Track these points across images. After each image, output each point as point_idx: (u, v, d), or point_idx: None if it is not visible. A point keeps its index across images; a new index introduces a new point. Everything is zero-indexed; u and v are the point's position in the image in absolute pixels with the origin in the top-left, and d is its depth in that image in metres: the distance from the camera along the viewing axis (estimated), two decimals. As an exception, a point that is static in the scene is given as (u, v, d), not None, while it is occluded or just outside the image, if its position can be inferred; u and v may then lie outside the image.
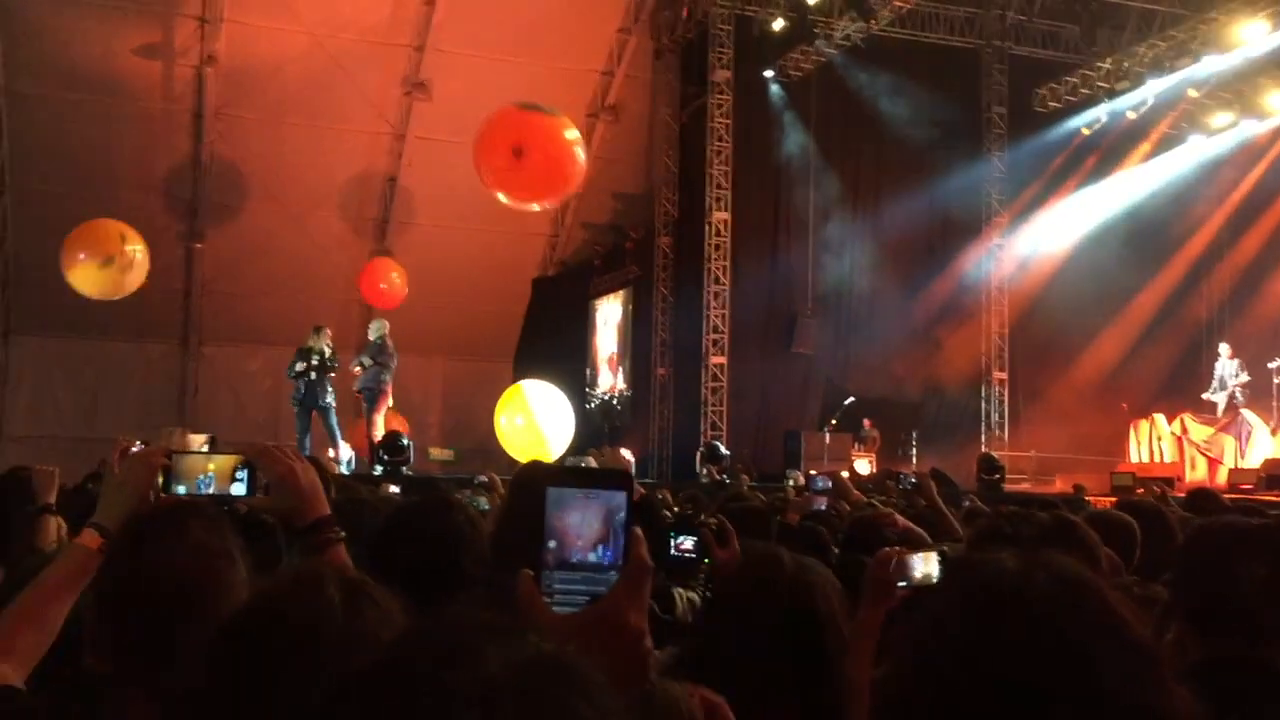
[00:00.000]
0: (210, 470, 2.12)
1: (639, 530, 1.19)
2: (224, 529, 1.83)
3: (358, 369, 13.90)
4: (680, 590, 3.54)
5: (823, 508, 6.08)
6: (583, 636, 1.12)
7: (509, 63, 17.05)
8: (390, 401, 13.88)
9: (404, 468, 11.91)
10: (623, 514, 1.19)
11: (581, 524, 1.18)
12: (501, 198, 12.08)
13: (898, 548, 2.25)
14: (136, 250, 14.23)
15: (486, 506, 5.48)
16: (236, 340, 18.72)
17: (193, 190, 17.88)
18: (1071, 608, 1.04)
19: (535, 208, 13.58)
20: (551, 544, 1.18)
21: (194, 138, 17.44)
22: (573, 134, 11.90)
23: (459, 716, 0.73)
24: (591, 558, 1.18)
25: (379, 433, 13.30)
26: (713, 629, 1.88)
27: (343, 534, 1.92)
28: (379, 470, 11.95)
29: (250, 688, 1.32)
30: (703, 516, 3.76)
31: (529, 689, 0.75)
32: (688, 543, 3.42)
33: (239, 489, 2.01)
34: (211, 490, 2.09)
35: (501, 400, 14.77)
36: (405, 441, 12.25)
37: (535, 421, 13.91)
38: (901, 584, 2.18)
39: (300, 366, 13.45)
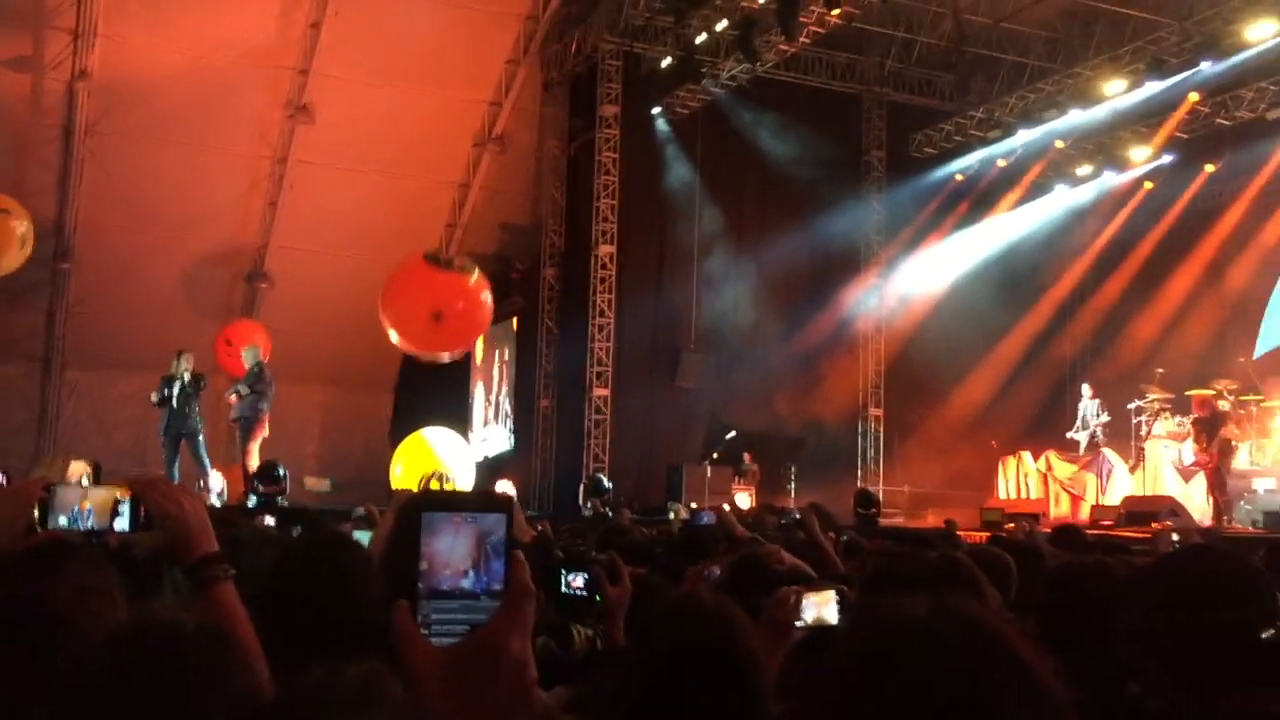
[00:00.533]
0: (89, 505, 2.03)
1: (520, 554, 1.15)
2: (103, 567, 1.76)
3: (233, 397, 13.52)
4: (579, 626, 3.51)
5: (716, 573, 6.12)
6: (462, 668, 1.09)
7: (396, 89, 16.90)
8: (266, 431, 13.51)
9: (279, 499, 11.59)
10: (498, 538, 1.15)
11: (453, 549, 1.14)
12: (414, 351, 12.15)
13: (796, 587, 2.26)
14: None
15: (368, 541, 5.36)
16: (103, 365, 18.02)
17: (60, 208, 17.22)
18: (980, 653, 1.05)
19: (445, 358, 13.56)
20: (428, 575, 1.13)
21: (63, 154, 16.83)
22: (483, 286, 11.99)
23: None
24: (465, 584, 1.13)
25: (254, 462, 12.93)
26: (634, 672, 1.86)
27: (232, 571, 1.83)
28: (253, 501, 11.61)
29: None
30: (594, 553, 3.74)
31: None
32: (579, 580, 3.40)
33: (121, 524, 1.92)
34: (92, 524, 2.00)
35: (403, 448, 14.46)
36: (281, 471, 11.93)
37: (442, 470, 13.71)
38: (799, 624, 2.19)
39: (164, 394, 13.04)
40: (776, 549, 4.19)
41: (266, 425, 13.46)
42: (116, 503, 1.88)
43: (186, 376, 13.13)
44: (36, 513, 1.93)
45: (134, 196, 16.98)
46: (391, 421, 20.47)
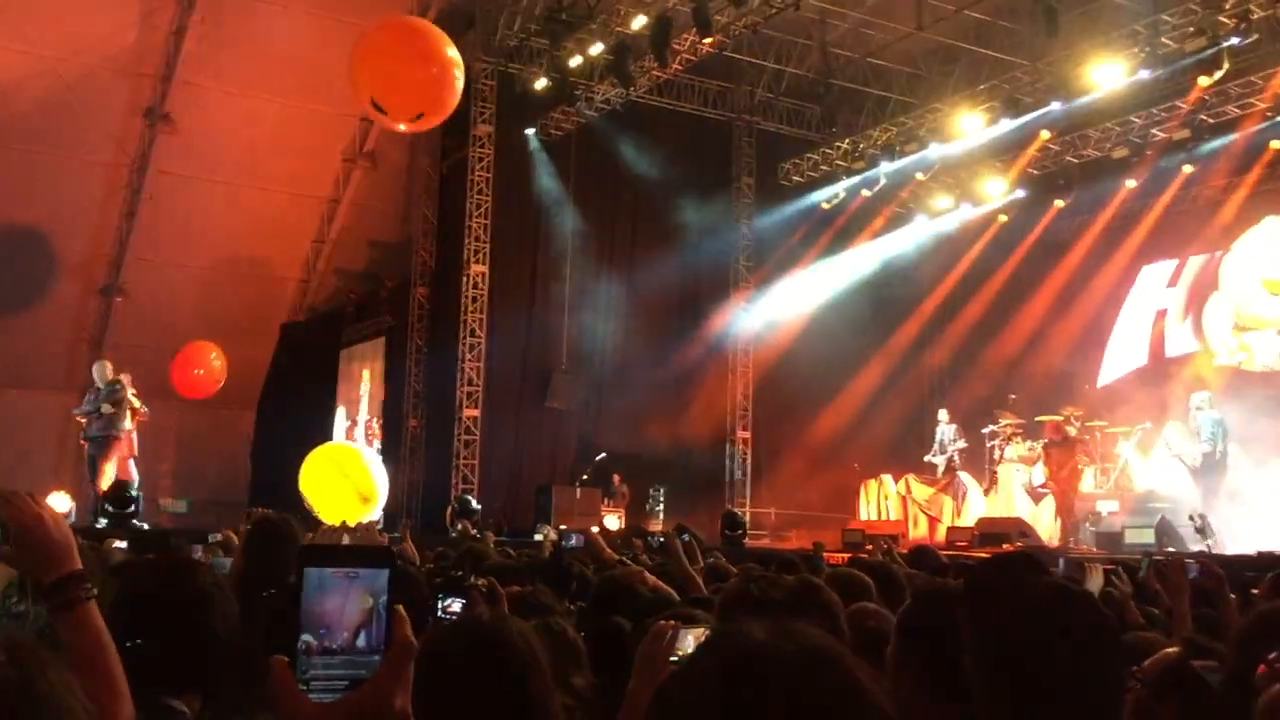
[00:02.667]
0: None
1: (402, 610, 1.15)
2: None
3: (83, 418, 12.98)
4: None
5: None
6: None
7: (264, 100, 16.56)
8: (133, 450, 13.00)
9: (133, 520, 11.17)
10: (384, 595, 1.14)
11: (344, 608, 1.13)
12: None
13: (674, 622, 2.28)
14: None
15: (227, 567, 5.22)
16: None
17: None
18: (815, 677, 1.10)
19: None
20: (310, 633, 1.12)
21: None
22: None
23: None
24: (354, 642, 1.12)
25: (105, 482, 12.44)
26: (421, 696, 1.87)
27: (94, 591, 1.75)
28: (104, 523, 11.16)
29: None
30: (473, 578, 3.72)
31: None
32: (455, 605, 3.38)
33: None
34: None
35: (325, 455, 13.87)
36: (133, 492, 11.51)
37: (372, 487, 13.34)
38: (673, 659, 2.21)
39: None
40: (640, 571, 4.24)
41: (126, 444, 12.93)
42: None
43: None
44: None
45: (-20, 203, 16.22)
46: (254, 439, 19.95)
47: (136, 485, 12.48)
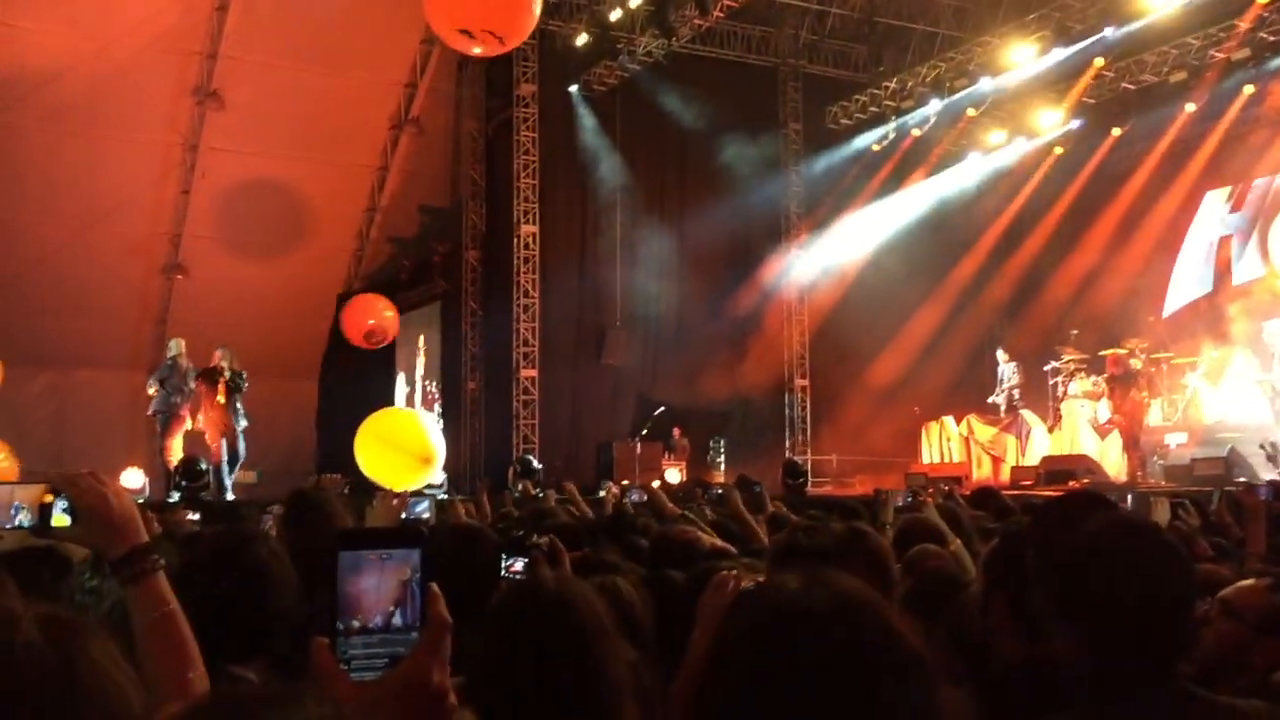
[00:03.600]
0: (18, 500, 1.98)
1: (436, 587, 1.17)
2: None
3: (152, 390, 13.29)
4: None
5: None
6: (384, 703, 1.11)
7: (308, 72, 16.61)
8: (189, 424, 13.28)
9: (203, 494, 11.42)
10: (416, 572, 1.17)
11: (378, 589, 1.16)
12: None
13: (734, 572, 2.30)
14: None
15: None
16: (16, 363, 17.54)
17: (-37, 204, 16.69)
18: (848, 625, 1.10)
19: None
20: (347, 615, 1.15)
21: (-37, 147, 16.29)
22: None
23: None
24: (390, 622, 1.16)
25: (174, 458, 12.72)
26: (487, 659, 1.89)
27: (162, 562, 1.78)
28: (175, 497, 11.42)
29: None
30: (535, 537, 3.75)
31: None
32: (518, 564, 3.42)
33: (61, 519, 1.84)
34: (25, 521, 1.95)
35: (369, 432, 13.89)
36: (203, 466, 11.75)
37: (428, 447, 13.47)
38: None
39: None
40: (695, 534, 4.25)
41: (187, 419, 13.22)
42: (46, 499, 1.81)
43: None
44: None
45: (41, 188, 16.51)
46: (317, 409, 20.26)
47: (240, 458, 12.81)
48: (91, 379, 17.33)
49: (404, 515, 5.01)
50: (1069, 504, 2.49)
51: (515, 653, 1.84)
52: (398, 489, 7.32)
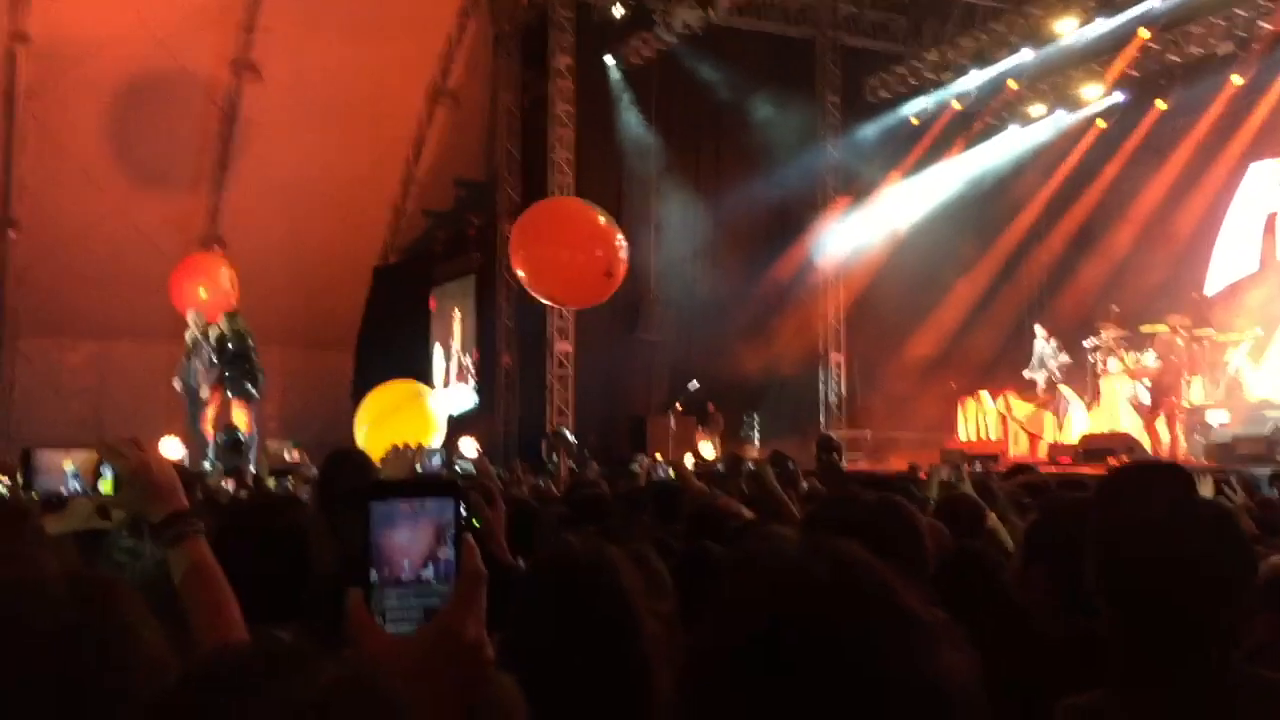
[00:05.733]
0: (71, 467, 2.02)
1: (471, 539, 1.16)
2: (22, 530, 1.74)
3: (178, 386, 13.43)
4: None
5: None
6: (420, 655, 1.10)
7: (345, 44, 16.63)
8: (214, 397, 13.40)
9: (242, 463, 11.53)
10: (449, 523, 1.15)
11: (411, 540, 1.14)
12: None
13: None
14: None
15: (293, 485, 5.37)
16: (56, 332, 17.79)
17: (5, 176, 16.89)
18: (848, 587, 1.09)
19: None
20: (381, 567, 1.13)
21: (6, 120, 16.47)
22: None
23: None
24: (420, 573, 1.14)
25: (208, 427, 12.86)
26: (520, 625, 1.89)
27: (201, 526, 1.83)
28: (210, 468, 11.54)
29: None
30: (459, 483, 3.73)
31: (331, 714, 0.72)
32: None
33: (109, 487, 1.90)
34: (79, 487, 2.00)
35: (386, 397, 13.84)
36: (243, 437, 11.87)
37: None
38: None
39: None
40: (728, 498, 4.23)
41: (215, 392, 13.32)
42: (99, 464, 1.87)
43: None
44: (20, 476, 1.93)
45: (80, 161, 16.69)
46: (353, 381, 20.40)
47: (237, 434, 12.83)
48: (132, 349, 17.53)
49: (418, 468, 5.01)
50: (1138, 475, 2.44)
51: (548, 617, 1.84)
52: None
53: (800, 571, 1.10)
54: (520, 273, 11.56)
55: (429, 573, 1.14)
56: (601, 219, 11.54)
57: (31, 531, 1.82)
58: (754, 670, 1.05)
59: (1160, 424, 14.30)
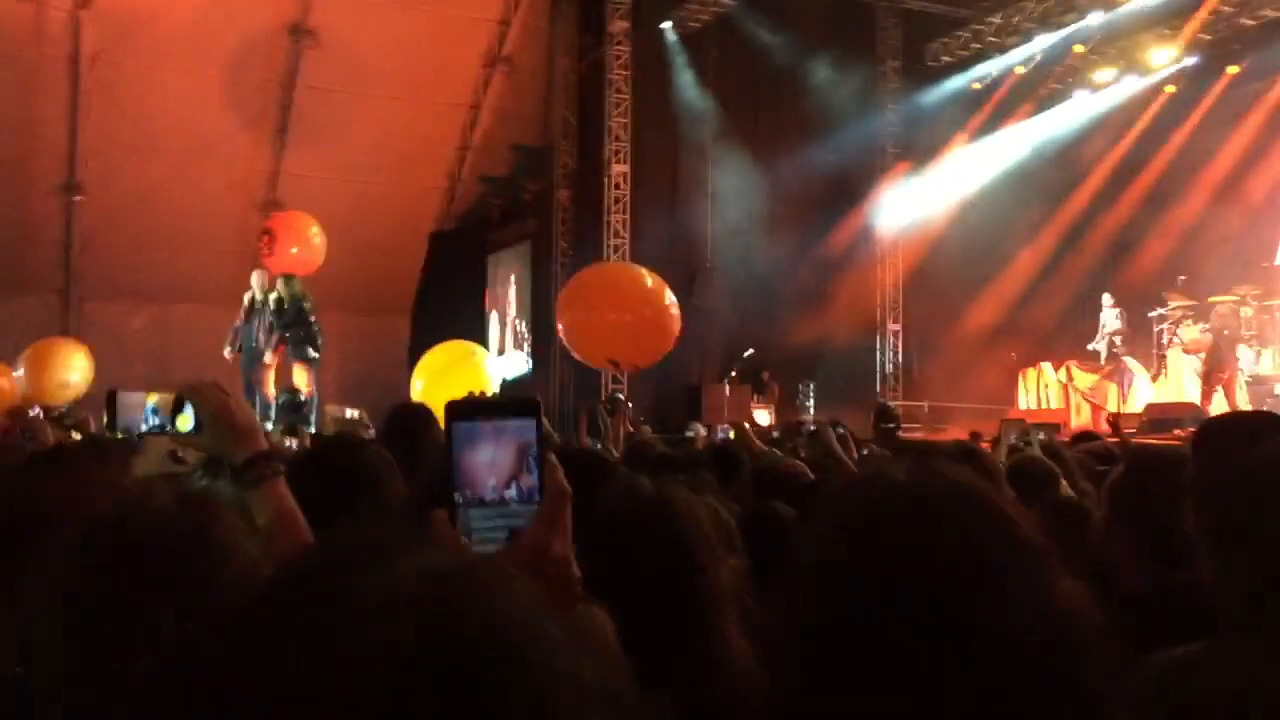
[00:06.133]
0: (152, 403, 2.03)
1: (554, 457, 1.15)
2: (111, 463, 1.77)
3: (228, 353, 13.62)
4: None
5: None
6: None
7: (401, 9, 16.65)
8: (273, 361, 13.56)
9: (304, 425, 11.65)
10: (531, 442, 1.15)
11: (494, 459, 1.14)
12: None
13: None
14: None
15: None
16: (120, 296, 18.08)
17: (70, 140, 17.14)
18: (963, 513, 1.06)
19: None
20: (464, 487, 1.13)
21: (71, 85, 16.70)
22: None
23: (372, 624, 0.66)
24: (503, 492, 1.14)
25: (271, 390, 13.02)
26: (589, 559, 1.88)
27: (282, 468, 1.85)
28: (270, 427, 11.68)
29: (96, 604, 1.24)
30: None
31: (450, 591, 0.69)
32: None
33: (185, 424, 1.93)
34: (156, 423, 2.01)
35: (440, 358, 13.89)
36: (304, 398, 12.00)
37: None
38: None
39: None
40: (794, 462, 4.19)
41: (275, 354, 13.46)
42: (178, 402, 1.90)
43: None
44: (105, 415, 1.98)
45: (142, 125, 16.88)
46: (409, 347, 20.54)
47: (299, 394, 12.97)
48: (192, 313, 17.77)
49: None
50: (1239, 423, 2.36)
51: (620, 556, 1.83)
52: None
53: (914, 494, 1.07)
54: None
55: (512, 492, 1.14)
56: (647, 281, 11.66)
57: (115, 461, 1.85)
58: (866, 590, 1.02)
59: (1219, 398, 14.01)
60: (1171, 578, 2.13)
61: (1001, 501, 1.10)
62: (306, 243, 14.39)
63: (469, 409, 1.17)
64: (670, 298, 11.48)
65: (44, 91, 16.66)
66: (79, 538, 1.27)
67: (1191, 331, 15.04)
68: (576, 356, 12.39)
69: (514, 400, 1.22)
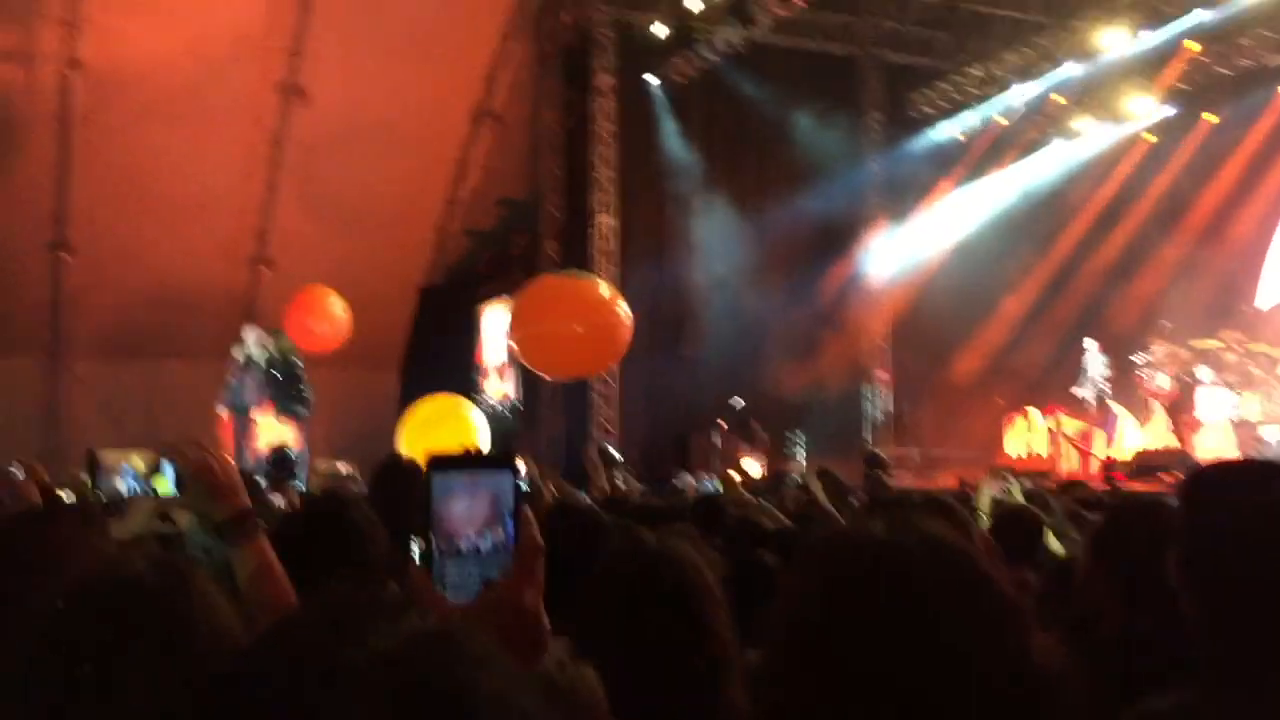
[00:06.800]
0: (131, 462, 2.06)
1: (529, 510, 1.18)
2: (94, 524, 1.78)
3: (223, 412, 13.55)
4: None
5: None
6: (480, 623, 1.11)
7: (390, 66, 16.80)
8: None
9: (292, 483, 11.59)
10: (508, 495, 1.18)
11: (469, 510, 1.17)
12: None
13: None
14: None
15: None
16: (108, 353, 18.04)
17: (58, 198, 17.20)
18: (938, 566, 1.07)
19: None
20: (440, 538, 1.17)
21: (59, 145, 16.79)
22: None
23: (346, 696, 0.68)
24: (479, 543, 1.17)
25: (261, 446, 12.96)
26: (592, 615, 1.88)
27: (264, 525, 1.88)
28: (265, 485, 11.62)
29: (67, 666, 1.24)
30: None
31: (423, 662, 0.71)
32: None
33: (166, 486, 1.94)
34: (137, 487, 2.04)
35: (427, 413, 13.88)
36: (292, 454, 11.95)
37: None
38: None
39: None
40: (771, 510, 4.20)
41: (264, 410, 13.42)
42: (158, 463, 1.93)
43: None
44: (87, 476, 2.00)
45: (132, 184, 16.94)
46: (399, 401, 20.50)
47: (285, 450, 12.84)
48: (182, 368, 17.74)
49: None
50: (1232, 471, 2.37)
51: (624, 611, 1.83)
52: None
53: (893, 545, 1.09)
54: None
55: (487, 543, 1.17)
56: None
57: (96, 523, 1.86)
58: (844, 647, 1.03)
59: (1208, 442, 14.08)
60: (1149, 623, 2.14)
61: (976, 557, 1.12)
62: (331, 319, 14.78)
63: (447, 462, 1.20)
64: (624, 309, 11.43)
65: (32, 150, 16.75)
66: (53, 602, 1.29)
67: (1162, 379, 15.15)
68: (538, 372, 12.28)
69: (490, 454, 1.26)
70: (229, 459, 1.96)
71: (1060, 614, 2.54)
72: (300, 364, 13.24)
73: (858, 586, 1.07)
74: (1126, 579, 2.25)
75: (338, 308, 14.58)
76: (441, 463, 1.19)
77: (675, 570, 1.91)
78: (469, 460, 1.22)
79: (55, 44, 16.00)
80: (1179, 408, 14.07)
